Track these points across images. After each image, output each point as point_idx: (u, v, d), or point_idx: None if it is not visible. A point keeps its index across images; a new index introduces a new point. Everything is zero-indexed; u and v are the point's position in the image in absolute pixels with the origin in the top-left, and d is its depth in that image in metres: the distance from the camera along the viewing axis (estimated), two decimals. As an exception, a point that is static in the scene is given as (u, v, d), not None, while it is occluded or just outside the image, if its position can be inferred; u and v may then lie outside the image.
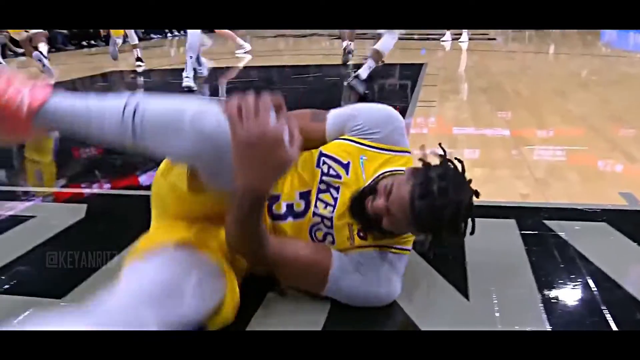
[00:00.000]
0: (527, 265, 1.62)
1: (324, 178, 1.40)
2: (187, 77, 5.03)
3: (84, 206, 2.18)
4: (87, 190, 2.53)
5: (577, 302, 1.44)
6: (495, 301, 1.42)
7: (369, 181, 1.36)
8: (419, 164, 1.31)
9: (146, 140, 1.20)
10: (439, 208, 1.19)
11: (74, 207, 2.20)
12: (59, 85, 6.23)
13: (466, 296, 1.46)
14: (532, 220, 1.93)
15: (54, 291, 1.52)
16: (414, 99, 4.44)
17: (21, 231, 2.01)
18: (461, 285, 1.50)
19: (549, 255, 1.68)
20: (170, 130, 1.16)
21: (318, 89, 5.36)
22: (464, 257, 1.67)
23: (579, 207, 2.05)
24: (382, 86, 5.18)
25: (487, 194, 2.23)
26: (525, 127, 3.42)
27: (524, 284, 1.52)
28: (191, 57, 5.09)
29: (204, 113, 1.15)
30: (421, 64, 6.26)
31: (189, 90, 5.08)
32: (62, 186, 2.69)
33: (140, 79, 6.83)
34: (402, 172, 1.35)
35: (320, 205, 1.39)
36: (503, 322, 1.33)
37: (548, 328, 1.31)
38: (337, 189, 1.39)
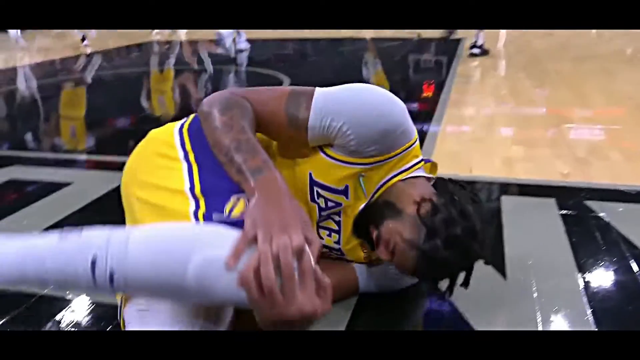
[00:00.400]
0: (566, 246, 1.57)
1: (323, 213, 1.20)
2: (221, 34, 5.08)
3: (119, 174, 2.20)
4: (122, 159, 2.55)
5: (619, 286, 1.39)
6: (533, 281, 1.39)
7: (371, 194, 1.17)
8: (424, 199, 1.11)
9: (135, 296, 0.99)
10: (449, 272, 1.10)
11: (109, 175, 2.23)
12: (96, 55, 6.31)
13: (503, 274, 1.42)
14: (572, 201, 1.87)
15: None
16: (451, 74, 4.34)
17: (59, 198, 2.06)
18: (498, 263, 1.47)
19: (589, 237, 1.63)
20: (169, 294, 0.88)
21: (352, 63, 5.28)
22: (501, 235, 1.63)
23: (622, 188, 1.98)
24: (417, 61, 5.08)
25: (526, 173, 2.19)
26: (566, 104, 3.31)
27: (563, 264, 1.48)
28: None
29: (209, 269, 0.83)
30: (459, 39, 6.10)
31: (223, 50, 5.08)
32: (99, 153, 2.73)
33: (175, 51, 6.86)
34: (408, 171, 1.15)
35: (324, 233, 1.25)
36: (541, 303, 1.30)
37: (588, 311, 1.27)
38: (338, 214, 1.21)
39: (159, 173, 1.08)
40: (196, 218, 0.94)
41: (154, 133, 1.21)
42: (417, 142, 1.16)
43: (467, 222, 1.06)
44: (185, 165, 1.06)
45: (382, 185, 1.15)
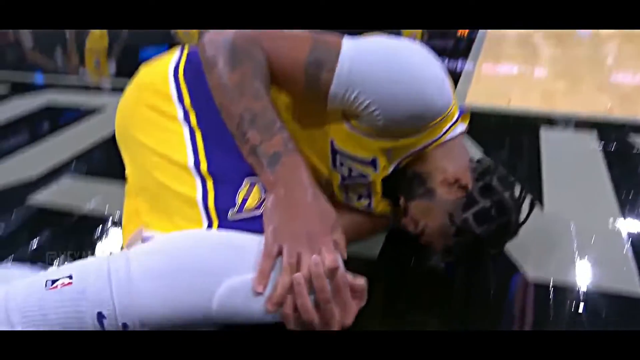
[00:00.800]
0: (607, 181, 1.52)
1: (346, 182, 1.09)
2: None
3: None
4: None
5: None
6: (571, 213, 1.36)
7: (399, 160, 1.03)
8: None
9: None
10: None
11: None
12: None
13: (541, 205, 1.40)
14: (615, 135, 1.81)
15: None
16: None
17: (92, 124, 2.09)
18: (535, 193, 1.44)
19: (631, 173, 1.58)
20: (191, 326, 0.79)
21: None
22: (539, 166, 1.59)
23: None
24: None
25: (568, 106, 2.12)
26: (611, 39, 3.15)
27: (603, 200, 1.44)
28: None
29: (236, 298, 0.75)
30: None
31: None
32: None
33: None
34: (444, 136, 1.00)
35: (352, 196, 1.14)
36: (579, 237, 1.27)
37: (626, 246, 1.24)
38: (366, 186, 1.09)
39: (157, 135, 0.92)
40: (205, 207, 0.82)
41: (146, 74, 1.03)
42: (455, 110, 1.00)
43: (503, 217, 0.98)
44: (186, 130, 0.90)
45: (414, 153, 1.02)
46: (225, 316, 0.75)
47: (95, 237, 1.32)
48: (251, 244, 0.77)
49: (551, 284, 1.12)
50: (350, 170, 1.05)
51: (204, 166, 0.86)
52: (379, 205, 1.14)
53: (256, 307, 0.74)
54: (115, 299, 0.72)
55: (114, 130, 1.08)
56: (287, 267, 0.74)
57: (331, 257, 0.74)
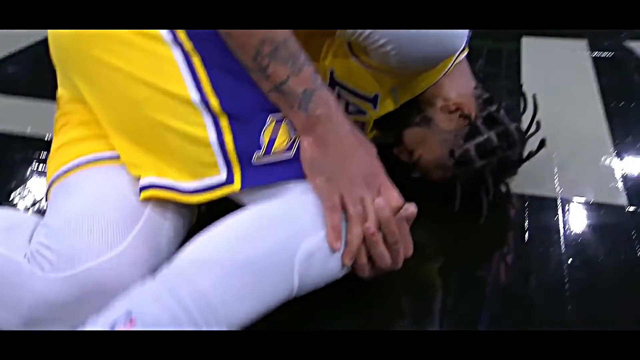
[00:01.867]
0: (594, 91, 1.34)
1: None
2: None
3: None
4: None
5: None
6: (556, 145, 1.14)
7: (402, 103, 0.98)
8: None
9: None
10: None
11: None
12: None
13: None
14: (609, 42, 1.62)
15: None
16: None
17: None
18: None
19: (624, 81, 1.40)
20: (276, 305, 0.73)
21: None
22: (519, 79, 1.41)
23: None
24: None
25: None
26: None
27: (587, 108, 1.27)
28: None
29: (315, 262, 0.70)
30: None
31: None
32: None
33: None
34: (452, 67, 0.93)
35: None
36: (560, 167, 1.11)
37: (614, 157, 1.09)
38: (362, 124, 1.00)
39: (139, 59, 0.72)
40: (222, 149, 0.70)
41: None
42: (464, 57, 0.95)
43: (506, 150, 0.90)
44: (178, 55, 0.71)
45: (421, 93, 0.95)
46: (305, 286, 0.70)
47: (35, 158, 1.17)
48: (303, 199, 0.71)
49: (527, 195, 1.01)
50: (347, 104, 0.97)
51: (214, 102, 0.70)
52: (370, 135, 1.04)
53: (333, 265, 0.71)
54: (200, 320, 0.64)
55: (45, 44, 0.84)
56: (355, 217, 0.70)
57: (394, 196, 0.71)
